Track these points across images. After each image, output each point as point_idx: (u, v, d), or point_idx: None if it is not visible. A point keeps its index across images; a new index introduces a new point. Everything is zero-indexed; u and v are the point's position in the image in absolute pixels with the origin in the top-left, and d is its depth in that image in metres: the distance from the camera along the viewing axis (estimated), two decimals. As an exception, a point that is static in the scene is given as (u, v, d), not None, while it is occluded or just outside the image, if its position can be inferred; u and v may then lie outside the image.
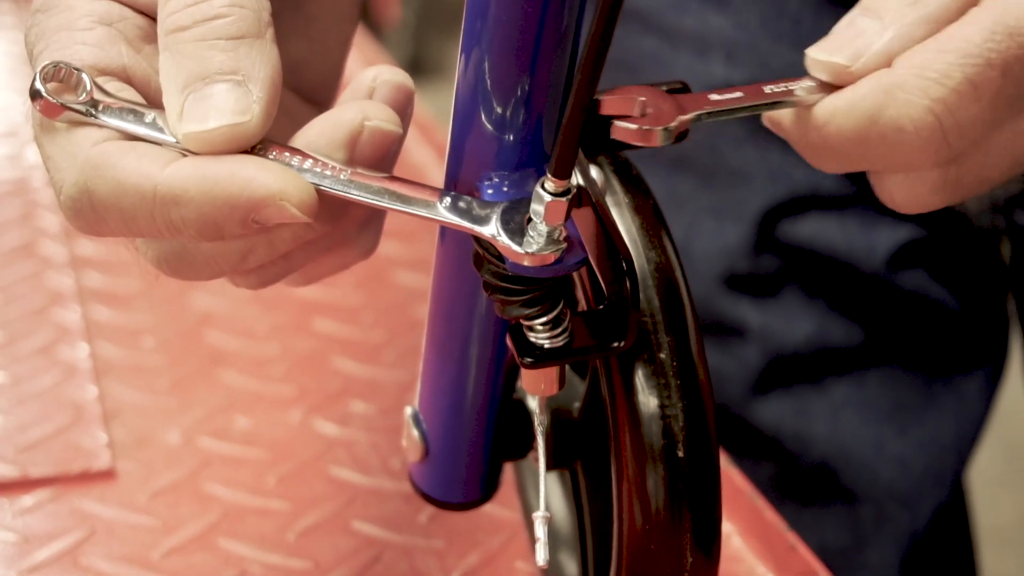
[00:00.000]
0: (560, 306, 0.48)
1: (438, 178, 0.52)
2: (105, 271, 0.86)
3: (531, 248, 0.46)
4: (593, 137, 0.51)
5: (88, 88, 0.47)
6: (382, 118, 0.48)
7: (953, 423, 0.93)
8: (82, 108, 0.47)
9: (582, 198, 0.48)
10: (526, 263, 0.46)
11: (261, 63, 0.47)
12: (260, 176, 0.46)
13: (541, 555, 0.52)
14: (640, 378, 0.49)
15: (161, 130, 0.47)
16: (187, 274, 0.50)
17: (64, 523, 0.68)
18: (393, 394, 0.77)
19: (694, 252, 0.86)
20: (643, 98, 0.49)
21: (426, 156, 0.97)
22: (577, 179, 0.51)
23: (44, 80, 0.47)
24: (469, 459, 0.58)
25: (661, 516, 0.49)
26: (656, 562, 0.50)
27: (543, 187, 0.46)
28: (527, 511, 0.67)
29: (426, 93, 1.58)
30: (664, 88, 0.50)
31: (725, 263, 0.86)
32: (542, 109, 0.48)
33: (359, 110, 0.48)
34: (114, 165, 0.46)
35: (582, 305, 0.52)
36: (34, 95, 0.47)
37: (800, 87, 0.49)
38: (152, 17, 0.49)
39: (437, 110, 1.01)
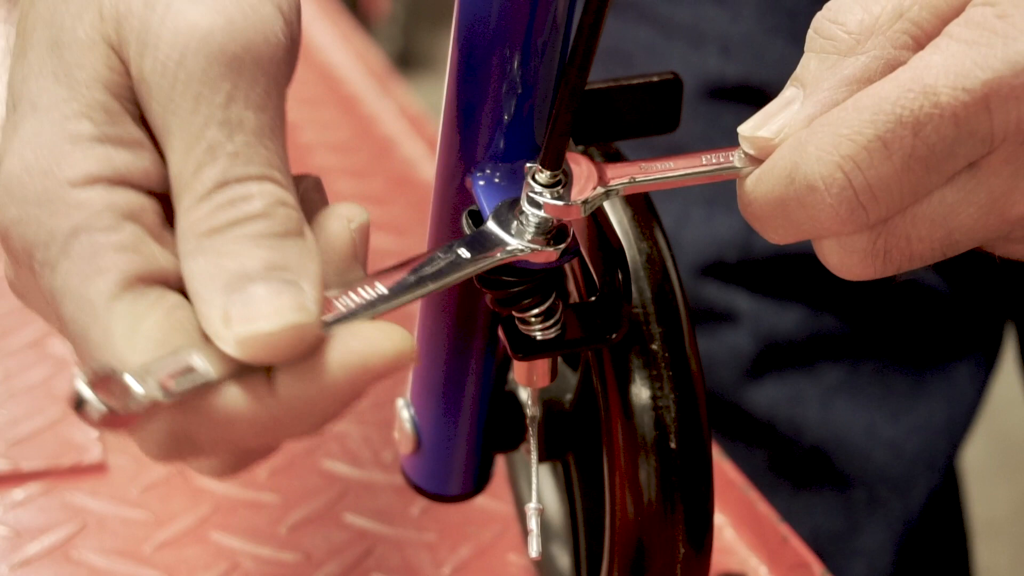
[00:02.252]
0: (552, 298, 0.48)
1: (430, 170, 0.51)
2: (96, 264, 0.86)
3: (522, 239, 0.46)
4: (584, 128, 0.51)
5: (156, 380, 0.41)
6: (355, 214, 0.46)
7: (945, 408, 0.93)
8: (148, 402, 0.41)
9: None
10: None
11: (308, 260, 0.43)
12: (375, 344, 0.43)
13: (533, 547, 0.52)
14: (632, 370, 0.49)
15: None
16: (190, 460, 0.47)
17: (56, 517, 0.68)
18: (385, 386, 0.77)
19: (684, 241, 0.86)
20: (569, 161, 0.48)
21: (417, 149, 0.97)
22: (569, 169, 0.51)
23: (94, 388, 0.41)
24: (461, 451, 0.58)
25: (653, 508, 0.49)
26: (648, 554, 0.50)
27: (534, 178, 0.46)
28: (519, 503, 0.67)
29: (416, 86, 1.58)
30: (598, 155, 0.51)
31: (715, 252, 0.86)
32: (533, 100, 0.48)
33: (341, 218, 0.45)
34: (229, 422, 0.42)
35: (574, 297, 0.52)
36: (79, 405, 0.40)
37: (737, 157, 0.48)
38: (159, 193, 0.45)
39: (427, 103, 1.00)
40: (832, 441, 0.88)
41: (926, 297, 0.89)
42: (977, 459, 2.04)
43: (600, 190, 0.46)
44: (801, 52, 0.49)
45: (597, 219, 0.50)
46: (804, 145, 0.46)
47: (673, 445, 0.49)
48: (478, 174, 0.49)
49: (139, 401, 0.40)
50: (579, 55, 0.43)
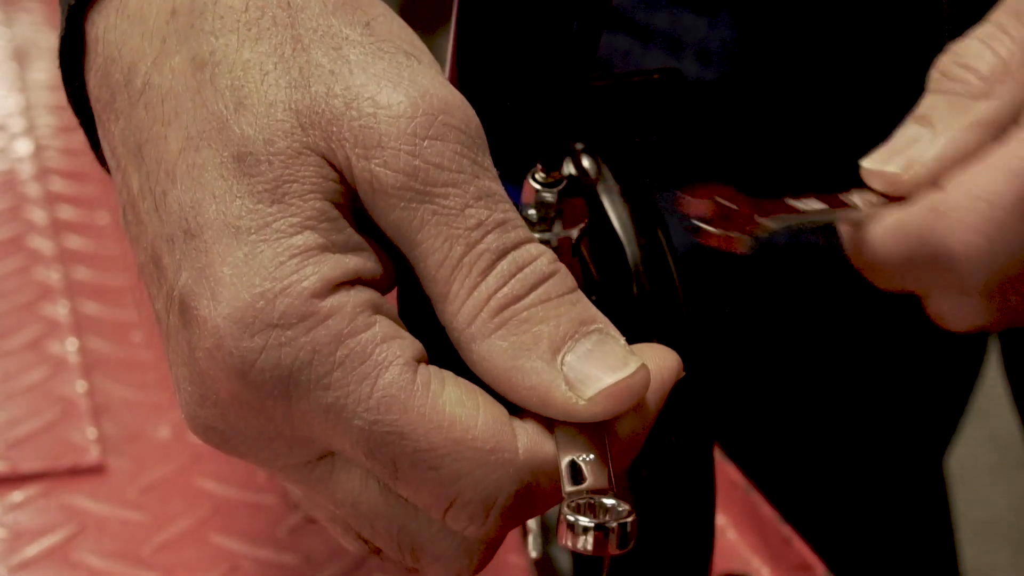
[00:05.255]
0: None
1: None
2: (94, 266, 0.85)
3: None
4: (585, 126, 0.51)
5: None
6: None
7: (931, 411, 0.94)
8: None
9: (574, 187, 0.47)
10: None
11: (595, 308, 0.43)
12: (665, 361, 0.43)
13: (533, 548, 0.51)
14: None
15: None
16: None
17: (54, 519, 0.67)
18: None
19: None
20: (723, 200, 0.49)
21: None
22: (570, 168, 0.51)
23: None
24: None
25: (653, 507, 0.49)
26: (648, 554, 0.50)
27: (534, 177, 0.46)
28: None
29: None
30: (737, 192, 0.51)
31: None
32: (533, 99, 0.48)
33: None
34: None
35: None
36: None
37: (861, 199, 0.49)
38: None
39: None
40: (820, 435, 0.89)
41: (911, 302, 0.90)
42: (974, 461, 2.05)
43: (764, 223, 0.47)
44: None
45: (596, 215, 0.50)
46: (940, 209, 0.46)
47: (674, 441, 0.49)
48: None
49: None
50: (578, 54, 0.42)
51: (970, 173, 0.46)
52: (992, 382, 0.99)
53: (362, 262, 0.42)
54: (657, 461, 0.49)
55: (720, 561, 0.66)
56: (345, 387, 0.40)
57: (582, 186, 0.51)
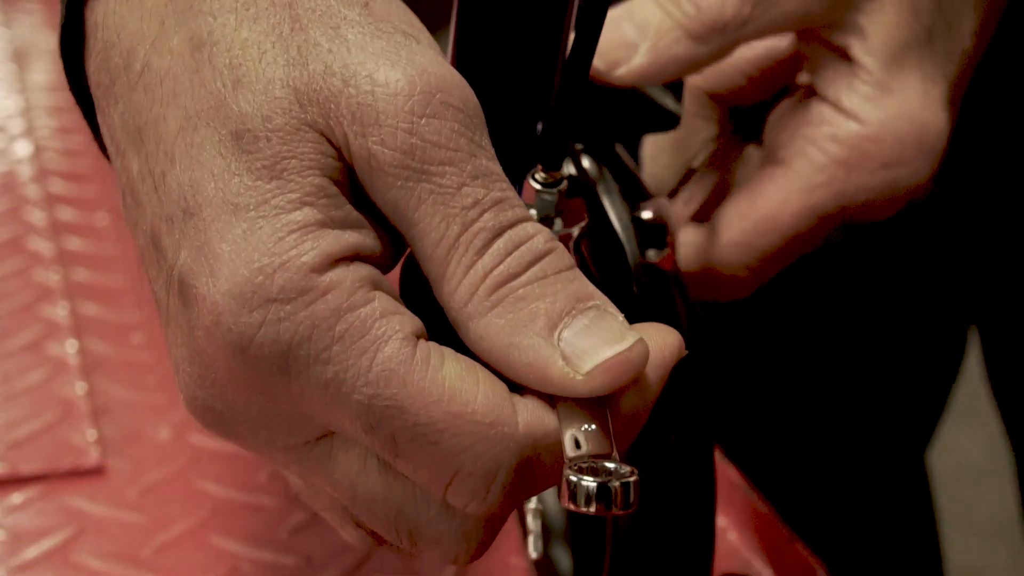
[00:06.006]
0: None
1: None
2: (93, 267, 0.85)
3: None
4: (585, 127, 0.51)
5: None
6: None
7: (911, 410, 0.94)
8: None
9: (573, 188, 0.47)
10: None
11: (593, 286, 0.43)
12: (666, 340, 0.43)
13: (533, 549, 0.51)
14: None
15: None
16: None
17: (54, 520, 0.67)
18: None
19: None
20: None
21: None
22: (570, 169, 0.50)
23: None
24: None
25: (654, 509, 0.49)
26: (650, 556, 0.50)
27: (534, 178, 0.45)
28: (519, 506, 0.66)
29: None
30: None
31: None
32: (533, 100, 0.48)
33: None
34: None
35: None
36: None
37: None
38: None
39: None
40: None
41: (891, 302, 0.90)
42: (973, 459, 2.05)
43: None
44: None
45: (596, 215, 0.49)
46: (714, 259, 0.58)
47: (673, 440, 0.49)
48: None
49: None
50: (578, 54, 0.42)
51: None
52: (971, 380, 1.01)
53: (361, 238, 0.42)
54: (657, 462, 0.49)
55: (721, 562, 0.66)
56: (344, 361, 0.40)
57: (582, 186, 0.50)
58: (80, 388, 0.75)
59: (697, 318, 0.50)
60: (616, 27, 0.54)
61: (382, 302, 0.41)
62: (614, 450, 0.40)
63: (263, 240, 0.40)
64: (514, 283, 0.41)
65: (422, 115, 0.41)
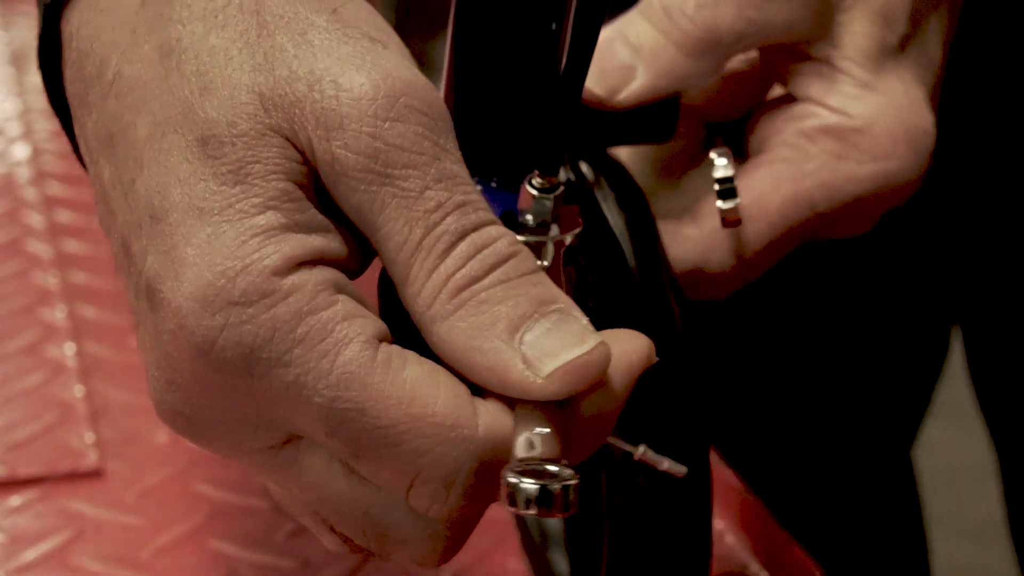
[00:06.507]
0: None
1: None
2: (91, 269, 0.85)
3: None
4: (582, 133, 0.51)
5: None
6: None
7: (893, 411, 0.95)
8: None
9: (570, 194, 0.47)
10: None
11: (558, 288, 0.43)
12: (634, 346, 0.43)
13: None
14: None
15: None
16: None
17: (52, 523, 0.67)
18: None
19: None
20: None
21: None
22: (567, 175, 0.51)
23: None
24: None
25: (650, 513, 0.49)
26: (647, 560, 0.50)
27: (531, 184, 0.46)
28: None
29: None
30: None
31: None
32: (529, 107, 0.48)
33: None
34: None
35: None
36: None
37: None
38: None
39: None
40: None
41: (874, 302, 0.91)
42: (971, 461, 2.04)
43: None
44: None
45: (594, 221, 0.50)
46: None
47: (670, 448, 0.49)
48: (475, 179, 0.49)
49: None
50: (575, 62, 0.42)
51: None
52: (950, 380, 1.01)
53: (325, 242, 0.42)
54: (653, 467, 0.49)
55: (719, 565, 0.66)
56: (305, 364, 0.40)
57: (579, 192, 0.51)
58: (78, 391, 0.75)
59: (693, 323, 0.50)
60: (610, 51, 0.54)
61: (345, 305, 0.41)
62: (564, 454, 0.40)
63: (226, 244, 0.40)
64: (476, 286, 0.41)
65: (386, 119, 0.41)
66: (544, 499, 0.39)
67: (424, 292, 0.41)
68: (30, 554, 0.66)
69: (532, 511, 0.39)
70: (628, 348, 0.43)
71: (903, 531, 1.02)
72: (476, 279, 0.41)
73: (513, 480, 0.39)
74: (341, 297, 0.41)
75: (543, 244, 0.46)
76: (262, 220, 0.41)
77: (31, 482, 0.70)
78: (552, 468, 0.39)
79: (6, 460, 0.70)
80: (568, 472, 0.39)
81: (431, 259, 0.41)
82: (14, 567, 0.65)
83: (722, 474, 0.70)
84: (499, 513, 0.69)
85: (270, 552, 0.67)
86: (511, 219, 0.46)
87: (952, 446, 1.93)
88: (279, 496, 0.47)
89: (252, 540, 0.67)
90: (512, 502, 0.39)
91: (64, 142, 0.99)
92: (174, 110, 0.42)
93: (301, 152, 0.42)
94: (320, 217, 0.42)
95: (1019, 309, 0.86)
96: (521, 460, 0.40)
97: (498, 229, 0.42)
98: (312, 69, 0.42)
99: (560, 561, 0.63)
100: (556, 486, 0.39)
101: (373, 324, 0.41)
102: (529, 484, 0.39)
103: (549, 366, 0.40)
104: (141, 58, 0.43)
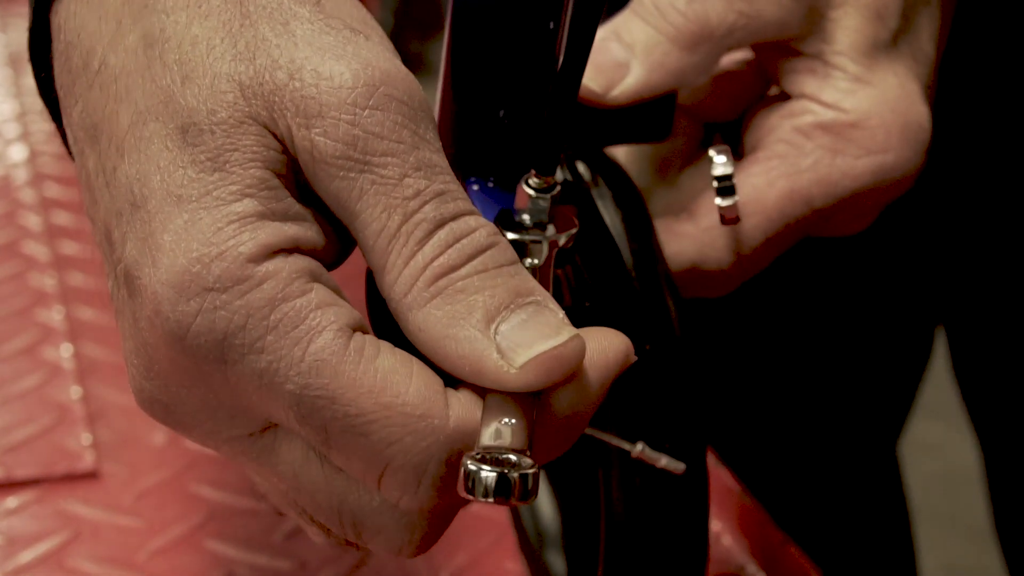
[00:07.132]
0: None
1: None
2: (88, 271, 0.85)
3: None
4: (579, 133, 0.51)
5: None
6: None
7: (877, 409, 0.95)
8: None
9: (567, 194, 0.47)
10: None
11: (535, 281, 0.43)
12: (611, 344, 0.43)
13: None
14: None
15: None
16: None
17: (49, 524, 0.67)
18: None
19: None
20: None
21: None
22: (564, 175, 0.51)
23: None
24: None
25: (647, 515, 0.49)
26: (643, 562, 0.50)
27: (527, 183, 0.46)
28: (515, 511, 0.66)
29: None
30: None
31: None
32: (525, 107, 0.48)
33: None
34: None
35: (567, 301, 0.52)
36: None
37: None
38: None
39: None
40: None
41: (860, 302, 0.91)
42: (970, 464, 2.04)
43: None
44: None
45: (590, 220, 0.50)
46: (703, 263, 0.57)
47: (667, 446, 0.49)
48: (471, 179, 0.49)
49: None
50: (571, 60, 0.42)
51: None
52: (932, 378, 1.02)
53: (302, 231, 0.42)
54: (650, 468, 0.49)
55: (716, 566, 0.66)
56: (278, 351, 0.40)
57: (575, 192, 0.51)
58: (75, 392, 0.75)
59: (690, 323, 0.50)
60: (604, 49, 0.54)
61: (319, 294, 0.41)
62: (529, 445, 0.40)
63: (203, 230, 0.41)
64: (453, 275, 0.41)
65: (365, 107, 0.41)
66: (502, 487, 0.39)
67: (401, 280, 0.42)
68: (27, 555, 0.66)
69: (489, 499, 0.39)
70: (605, 345, 0.43)
71: (889, 525, 1.03)
72: (454, 268, 0.41)
73: (472, 467, 0.39)
74: (316, 285, 0.41)
75: (538, 243, 0.46)
76: (239, 207, 0.41)
77: (28, 484, 0.70)
78: (511, 456, 0.39)
79: (3, 462, 0.70)
80: (528, 461, 0.39)
81: (409, 246, 0.41)
82: (11, 569, 0.65)
83: (719, 475, 0.70)
84: (497, 514, 0.69)
85: (267, 553, 0.67)
86: (507, 218, 0.46)
87: (946, 449, 1.93)
88: (263, 488, 0.47)
89: (249, 541, 0.67)
90: (470, 490, 0.39)
91: (61, 144, 0.99)
92: (156, 99, 0.42)
93: (281, 141, 0.42)
94: (297, 206, 0.42)
95: (1002, 310, 0.86)
96: (485, 448, 0.40)
97: (476, 219, 0.42)
98: (293, 58, 0.42)
99: (557, 562, 0.63)
100: (514, 474, 0.39)
101: (347, 313, 0.41)
102: (487, 471, 0.39)
103: (523, 356, 0.40)
104: (126, 48, 0.43)
